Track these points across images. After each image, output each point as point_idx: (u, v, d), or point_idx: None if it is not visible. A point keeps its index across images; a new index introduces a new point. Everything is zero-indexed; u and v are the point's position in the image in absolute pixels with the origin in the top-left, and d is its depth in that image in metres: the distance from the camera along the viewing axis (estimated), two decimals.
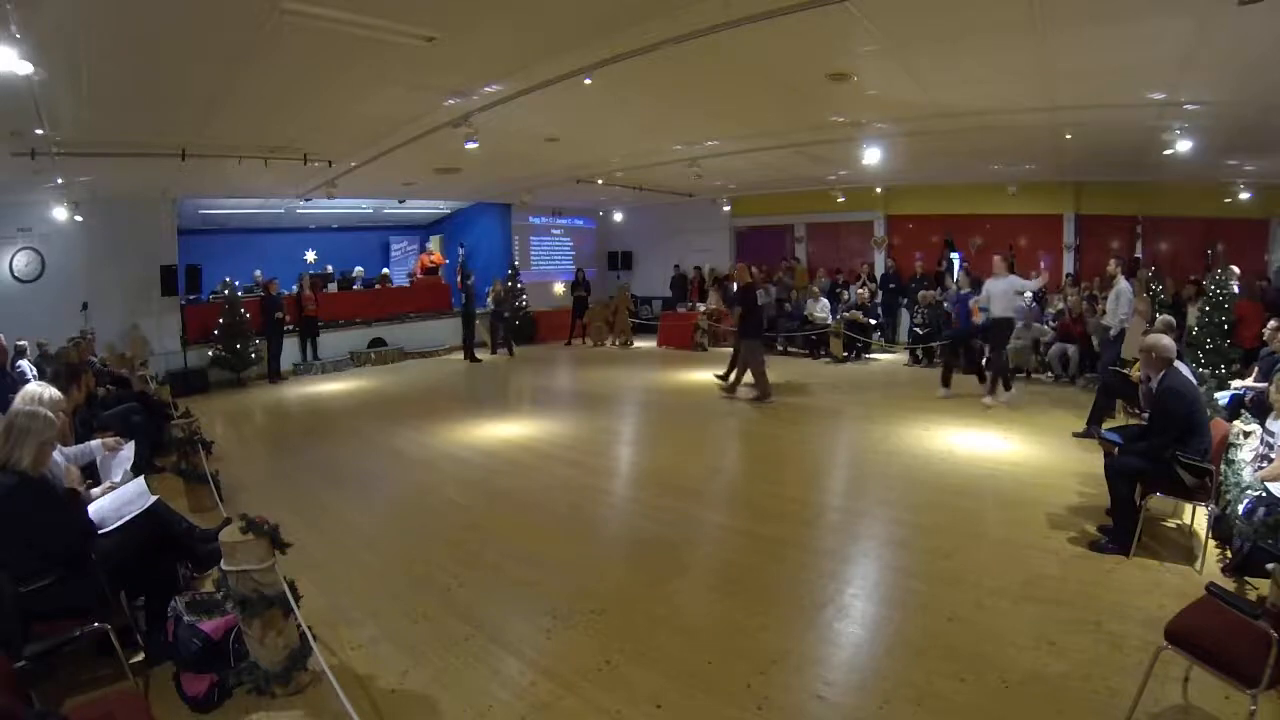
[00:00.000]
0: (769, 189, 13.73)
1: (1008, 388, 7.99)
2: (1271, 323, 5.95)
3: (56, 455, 3.39)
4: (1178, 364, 4.01)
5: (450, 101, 6.06)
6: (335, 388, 10.49)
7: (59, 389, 4.26)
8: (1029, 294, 7.93)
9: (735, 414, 7.77)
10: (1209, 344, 6.40)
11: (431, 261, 15.30)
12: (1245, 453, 4.30)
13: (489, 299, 13.39)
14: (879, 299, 12.54)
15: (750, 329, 8.33)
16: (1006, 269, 8.01)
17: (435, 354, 13.42)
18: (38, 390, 3.42)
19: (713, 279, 14.31)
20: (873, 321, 11.98)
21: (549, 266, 16.77)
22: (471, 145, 6.59)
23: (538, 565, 4.03)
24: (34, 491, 2.74)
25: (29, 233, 9.75)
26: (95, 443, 3.95)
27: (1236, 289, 8.31)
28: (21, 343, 7.43)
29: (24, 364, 6.86)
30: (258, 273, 12.47)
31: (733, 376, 8.60)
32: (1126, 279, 7.48)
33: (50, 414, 2.92)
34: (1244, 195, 9.91)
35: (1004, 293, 7.85)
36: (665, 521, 4.71)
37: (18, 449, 2.71)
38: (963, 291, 9.01)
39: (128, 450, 3.95)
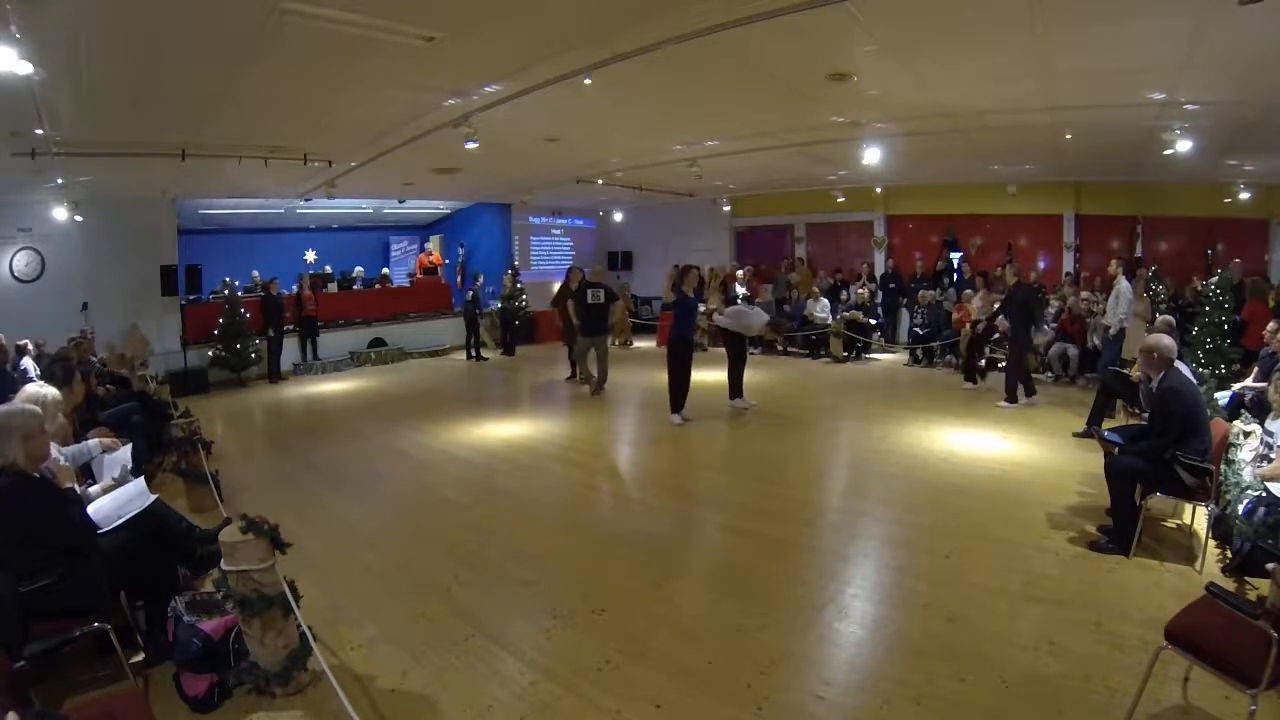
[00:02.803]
0: (769, 189, 13.72)
1: (677, 408, 7.43)
2: (1271, 324, 5.95)
3: (55, 453, 3.39)
4: (1178, 364, 4.01)
5: (450, 101, 6.05)
6: (335, 388, 10.49)
7: (54, 388, 4.27)
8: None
9: (734, 414, 7.77)
10: (1209, 344, 6.40)
11: (431, 261, 15.31)
12: (1245, 453, 4.30)
13: (498, 295, 13.41)
14: (879, 299, 12.55)
15: (585, 326, 8.94)
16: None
17: (435, 354, 13.43)
18: (36, 391, 3.43)
19: (712, 278, 14.37)
20: (873, 321, 11.98)
21: (549, 266, 16.76)
22: (471, 145, 6.59)
23: (538, 565, 4.03)
24: (33, 489, 2.74)
25: (29, 233, 9.75)
26: (93, 442, 3.95)
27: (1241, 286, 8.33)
28: (23, 342, 7.45)
29: (27, 362, 6.89)
30: (256, 273, 12.49)
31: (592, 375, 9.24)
32: (1127, 279, 7.48)
33: (31, 406, 2.90)
34: (1244, 195, 9.91)
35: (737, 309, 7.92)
36: (665, 521, 4.71)
37: (5, 447, 2.70)
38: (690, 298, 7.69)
39: (124, 451, 3.94)
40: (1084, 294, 9.73)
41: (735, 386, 7.99)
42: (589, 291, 8.95)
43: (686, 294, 7.48)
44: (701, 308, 13.51)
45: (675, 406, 7.41)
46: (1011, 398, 7.79)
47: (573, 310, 9.15)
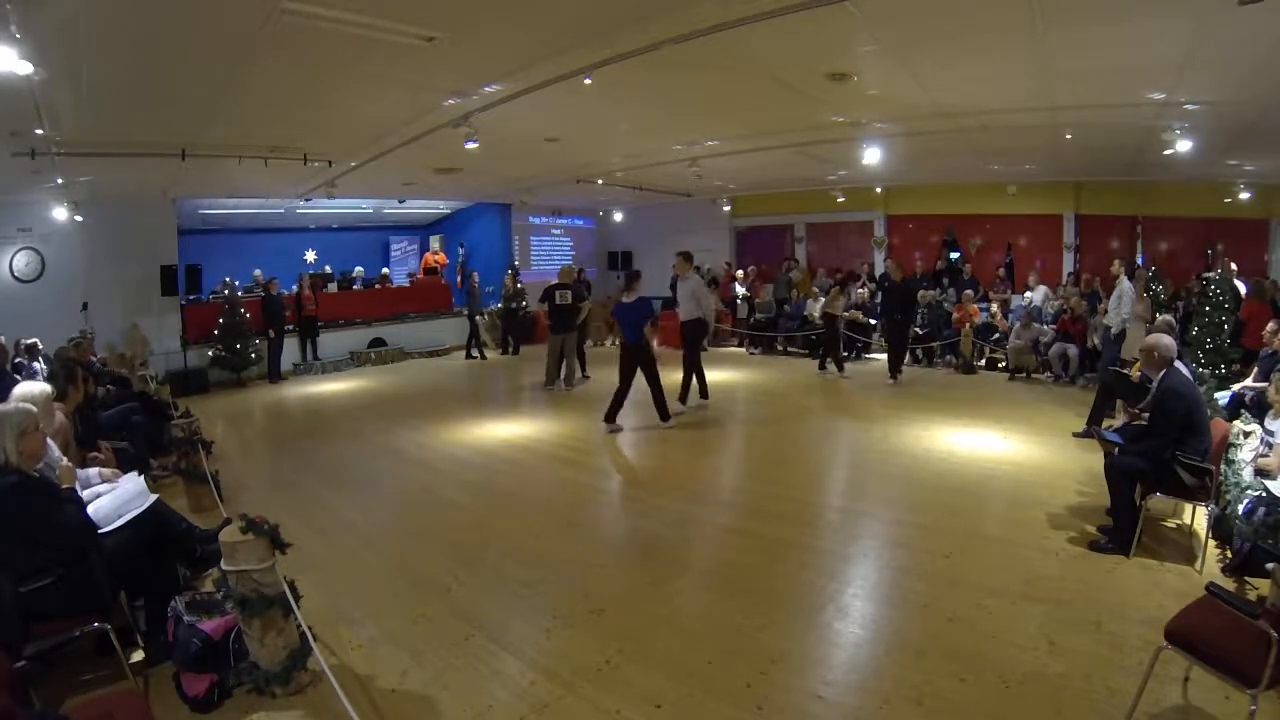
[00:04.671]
0: (769, 189, 13.73)
1: (704, 394, 7.72)
2: (1271, 324, 5.95)
3: (56, 453, 3.39)
4: (1178, 363, 4.01)
5: (450, 101, 6.05)
6: (335, 388, 10.49)
7: (57, 389, 4.25)
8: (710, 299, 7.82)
9: (734, 414, 7.77)
10: (1209, 344, 6.40)
11: (436, 261, 15.35)
12: (1245, 453, 4.30)
13: (501, 294, 13.44)
14: (879, 299, 12.55)
15: (553, 326, 9.43)
16: (691, 267, 7.90)
17: (435, 354, 13.43)
18: (27, 389, 3.42)
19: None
20: (872, 321, 11.98)
21: (549, 266, 16.76)
22: (471, 145, 6.59)
23: (538, 565, 4.03)
24: (32, 489, 2.73)
25: (29, 233, 9.74)
26: (92, 471, 3.79)
27: (1244, 289, 8.35)
28: (32, 341, 7.49)
29: (38, 366, 6.95)
30: (257, 272, 12.48)
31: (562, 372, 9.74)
32: (1129, 279, 7.48)
33: (25, 405, 2.89)
34: (1244, 195, 9.93)
35: (689, 294, 7.56)
36: (665, 521, 4.71)
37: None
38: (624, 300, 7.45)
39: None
40: (1042, 288, 10.43)
41: (701, 387, 7.78)
42: (556, 293, 9.36)
43: (625, 301, 7.16)
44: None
45: (661, 415, 7.12)
46: (894, 375, 9.40)
47: (544, 311, 9.59)
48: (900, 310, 9.37)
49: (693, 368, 7.82)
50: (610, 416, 7.09)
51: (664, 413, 7.14)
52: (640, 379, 7.06)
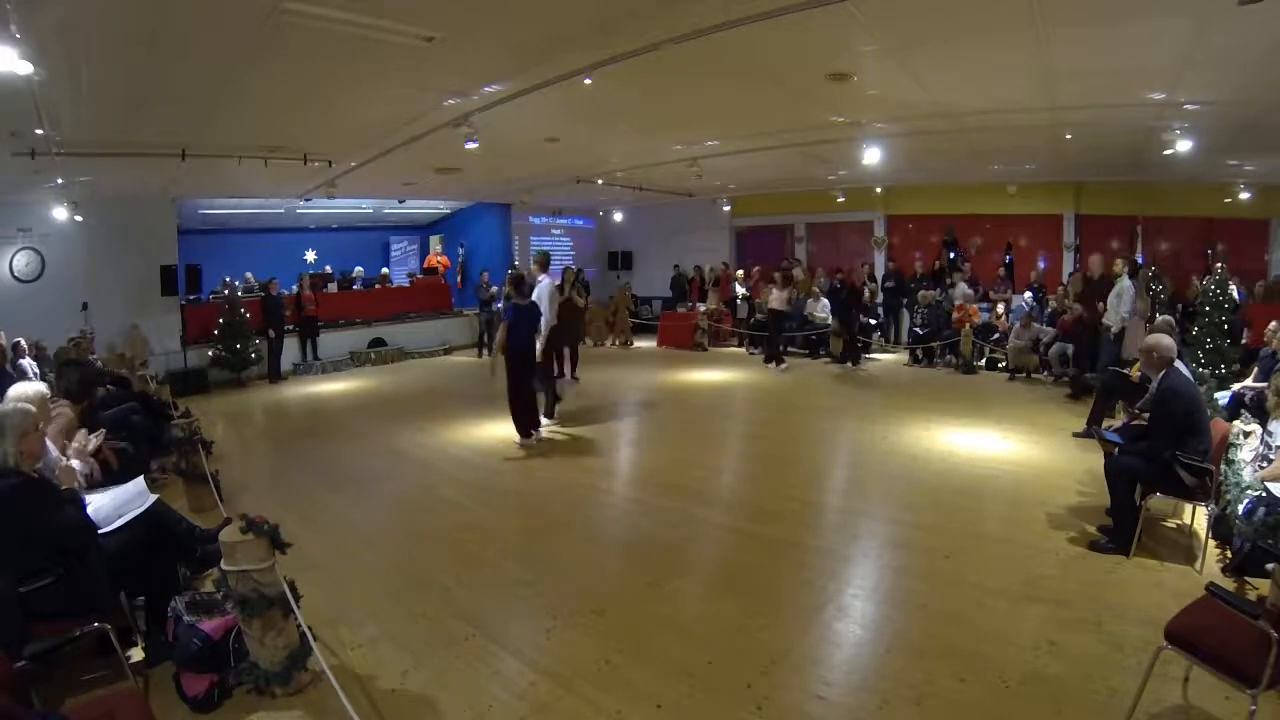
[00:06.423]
0: (769, 189, 13.74)
1: (550, 412, 7.39)
2: (1272, 324, 5.96)
3: (54, 453, 3.39)
4: (1178, 363, 4.01)
5: (450, 101, 6.06)
6: (335, 388, 10.49)
7: (73, 392, 4.25)
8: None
9: (735, 414, 7.77)
10: (1209, 344, 6.41)
11: (439, 262, 15.38)
12: (1245, 453, 4.30)
13: (501, 294, 13.47)
14: (879, 299, 12.55)
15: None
16: (544, 271, 7.38)
17: (435, 354, 13.43)
18: (23, 389, 3.42)
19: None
20: (873, 321, 11.97)
21: (550, 267, 16.78)
22: (471, 145, 6.60)
23: (538, 565, 4.03)
24: (32, 489, 2.73)
25: (29, 233, 9.75)
26: (77, 463, 3.61)
27: (1237, 294, 8.36)
28: (16, 340, 7.45)
29: (26, 362, 6.92)
30: (249, 275, 12.50)
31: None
32: (1130, 278, 7.47)
33: (24, 405, 2.89)
34: (1244, 195, 9.93)
35: (545, 295, 7.04)
36: (666, 521, 4.71)
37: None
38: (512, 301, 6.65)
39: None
40: (962, 286, 10.92)
41: (550, 403, 7.43)
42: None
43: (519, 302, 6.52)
44: (701, 308, 13.55)
45: (521, 429, 6.54)
46: (854, 362, 10.51)
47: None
48: (848, 311, 10.92)
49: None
50: (532, 426, 6.69)
51: (522, 430, 6.59)
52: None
